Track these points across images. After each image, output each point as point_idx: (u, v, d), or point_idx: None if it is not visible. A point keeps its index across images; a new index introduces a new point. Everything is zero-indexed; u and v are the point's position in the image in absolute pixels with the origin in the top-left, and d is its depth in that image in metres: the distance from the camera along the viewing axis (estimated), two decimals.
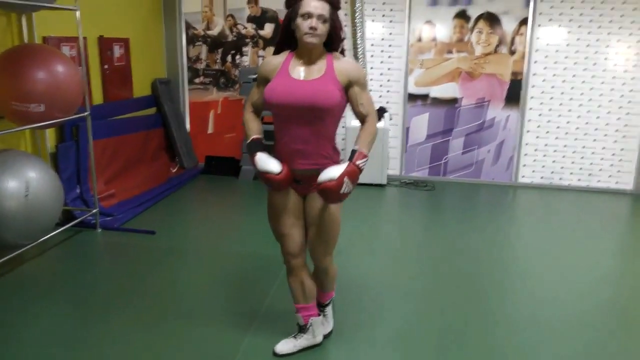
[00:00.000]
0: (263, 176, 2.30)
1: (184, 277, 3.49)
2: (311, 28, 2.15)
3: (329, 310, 2.79)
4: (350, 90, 2.27)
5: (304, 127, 2.25)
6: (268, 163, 2.29)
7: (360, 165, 2.22)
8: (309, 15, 2.16)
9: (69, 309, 3.04)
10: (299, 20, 2.18)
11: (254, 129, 2.41)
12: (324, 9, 2.17)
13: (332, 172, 2.17)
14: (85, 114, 4.09)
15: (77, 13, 4.00)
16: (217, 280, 3.46)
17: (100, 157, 4.69)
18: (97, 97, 4.92)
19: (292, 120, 2.26)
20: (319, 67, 2.24)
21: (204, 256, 3.87)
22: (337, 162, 2.33)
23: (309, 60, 2.26)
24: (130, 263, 3.69)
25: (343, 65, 2.27)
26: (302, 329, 2.62)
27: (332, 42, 2.27)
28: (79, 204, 4.38)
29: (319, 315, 2.67)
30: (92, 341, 2.70)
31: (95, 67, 4.88)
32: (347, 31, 5.83)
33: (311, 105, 2.19)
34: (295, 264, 2.50)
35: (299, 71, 2.25)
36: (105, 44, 4.98)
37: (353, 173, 2.19)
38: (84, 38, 4.43)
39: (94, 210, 4.24)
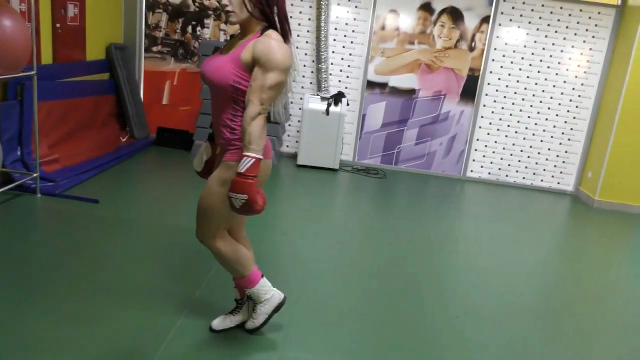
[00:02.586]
0: None
1: (124, 250, 3.43)
2: (223, 5, 2.09)
3: (258, 305, 2.51)
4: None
5: (213, 102, 2.23)
6: (196, 157, 2.43)
7: (243, 171, 1.97)
8: None
9: None
10: None
11: None
12: None
13: None
14: (32, 72, 3.92)
15: None
16: (158, 253, 3.42)
17: (46, 120, 4.51)
18: (47, 57, 4.72)
19: (210, 92, 2.25)
20: (240, 44, 2.11)
21: (147, 229, 3.80)
22: (239, 148, 2.12)
23: (240, 37, 2.18)
24: (69, 232, 3.59)
25: (256, 42, 2.02)
26: (239, 304, 2.61)
27: (264, 13, 2.07)
28: (19, 167, 4.21)
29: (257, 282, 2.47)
30: (20, 312, 2.62)
31: (47, 25, 4.67)
32: (312, 13, 5.79)
33: (205, 77, 2.15)
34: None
35: (227, 47, 2.20)
36: (59, 1, 4.76)
37: (235, 185, 1.98)
38: None
39: (35, 175, 4.08)
